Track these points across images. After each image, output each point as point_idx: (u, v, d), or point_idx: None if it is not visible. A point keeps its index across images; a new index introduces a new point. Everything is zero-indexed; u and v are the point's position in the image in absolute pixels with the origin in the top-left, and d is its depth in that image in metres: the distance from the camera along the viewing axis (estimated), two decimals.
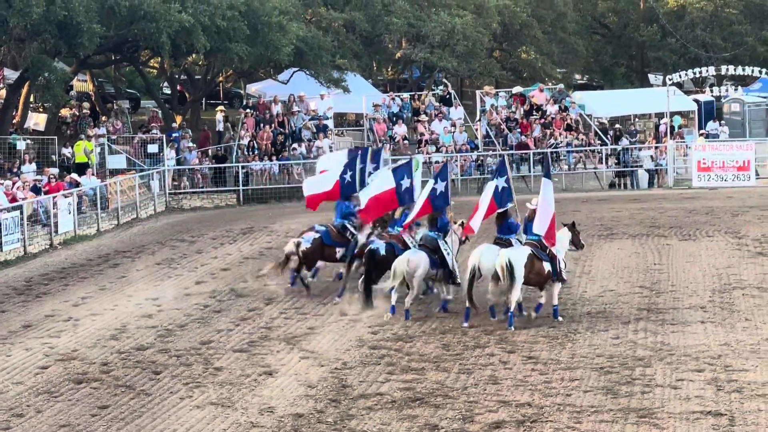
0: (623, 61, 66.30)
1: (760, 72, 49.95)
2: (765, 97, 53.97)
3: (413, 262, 22.64)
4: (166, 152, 41.95)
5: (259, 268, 28.15)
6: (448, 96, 48.28)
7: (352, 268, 24.53)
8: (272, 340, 21.13)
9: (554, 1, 58.72)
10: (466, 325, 21.81)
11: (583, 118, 47.47)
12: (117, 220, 37.57)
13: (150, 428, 16.32)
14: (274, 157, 43.52)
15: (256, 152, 43.50)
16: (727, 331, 21.09)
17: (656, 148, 45.84)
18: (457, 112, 47.10)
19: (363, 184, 25.74)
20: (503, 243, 22.64)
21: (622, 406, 16.70)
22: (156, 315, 23.46)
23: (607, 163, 45.66)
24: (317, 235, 25.20)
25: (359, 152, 26.96)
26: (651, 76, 65.57)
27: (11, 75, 43.90)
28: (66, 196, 34.58)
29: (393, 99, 47.48)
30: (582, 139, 45.79)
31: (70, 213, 34.43)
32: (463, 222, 23.21)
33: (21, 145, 39.64)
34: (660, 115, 48.49)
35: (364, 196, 24.46)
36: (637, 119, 50.40)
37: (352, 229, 25.31)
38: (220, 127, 45.86)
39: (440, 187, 22.99)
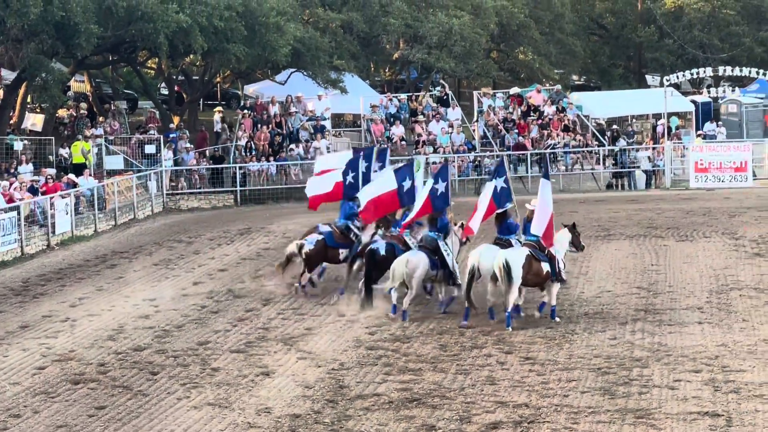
0: (621, 61, 66.33)
1: (758, 73, 49.93)
2: (762, 98, 54.03)
3: (412, 262, 22.65)
4: (163, 153, 41.95)
5: (257, 269, 28.20)
6: (445, 97, 48.30)
7: (353, 267, 24.53)
8: (269, 341, 21.13)
9: (552, 2, 58.76)
10: (465, 323, 21.82)
11: (581, 118, 47.48)
12: (114, 221, 37.56)
13: (147, 429, 16.32)
14: (271, 158, 43.52)
15: (253, 153, 43.49)
16: (724, 332, 21.10)
17: (653, 149, 45.85)
18: (455, 113, 47.11)
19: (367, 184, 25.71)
20: (503, 243, 22.66)
21: (620, 407, 16.71)
22: (153, 316, 23.46)
23: (604, 163, 45.68)
24: (320, 237, 25.19)
25: (361, 153, 26.93)
26: (648, 77, 65.65)
27: (8, 75, 43.90)
28: (63, 197, 34.56)
29: (390, 100, 47.47)
30: (579, 140, 45.79)
31: (67, 213, 34.41)
32: (462, 223, 23.22)
33: (18, 145, 39.61)
34: (657, 116, 48.50)
35: (363, 197, 24.46)
36: (634, 120, 50.42)
37: (355, 230, 25.31)
38: (218, 127, 45.88)
39: (441, 187, 23.00)
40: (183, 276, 27.97)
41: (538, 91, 48.73)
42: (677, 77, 49.44)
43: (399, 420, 16.37)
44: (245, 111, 45.50)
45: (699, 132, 48.17)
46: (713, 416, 16.17)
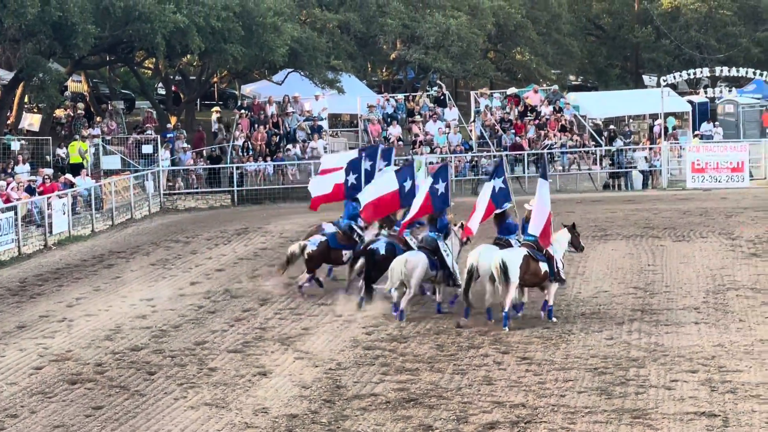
0: (618, 62, 66.36)
1: (754, 73, 49.96)
2: (759, 99, 54.05)
3: (411, 262, 22.66)
4: (160, 153, 41.93)
5: (254, 269, 28.20)
6: (442, 97, 48.32)
7: (355, 266, 24.53)
8: (267, 341, 21.13)
9: (549, 3, 58.77)
10: (467, 319, 21.84)
11: (578, 119, 47.50)
12: (111, 221, 37.56)
13: (144, 429, 16.32)
14: (268, 158, 43.52)
15: (250, 153, 43.50)
16: (720, 332, 21.12)
17: (650, 149, 45.87)
18: (452, 113, 47.12)
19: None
20: (503, 244, 22.68)
21: (616, 407, 16.72)
22: (150, 316, 23.46)
23: (601, 164, 45.69)
24: (323, 239, 25.19)
25: (363, 154, 26.91)
26: (645, 78, 65.66)
27: (6, 75, 43.87)
28: (60, 197, 34.55)
29: (387, 100, 47.48)
30: (576, 140, 45.81)
31: (64, 213, 34.41)
32: (462, 223, 23.23)
33: (15, 145, 39.59)
34: (654, 117, 48.53)
35: (364, 198, 24.45)
36: (631, 120, 50.44)
37: (359, 231, 25.30)
38: (215, 127, 45.87)
39: (441, 187, 23.00)
40: (180, 276, 27.97)
41: (535, 92, 48.74)
42: (674, 77, 49.45)
43: (396, 420, 16.38)
44: (242, 111, 45.51)
45: (696, 132, 48.20)
46: (710, 416, 16.18)
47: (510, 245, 22.53)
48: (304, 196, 39.05)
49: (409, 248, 23.41)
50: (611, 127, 47.98)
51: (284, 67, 46.64)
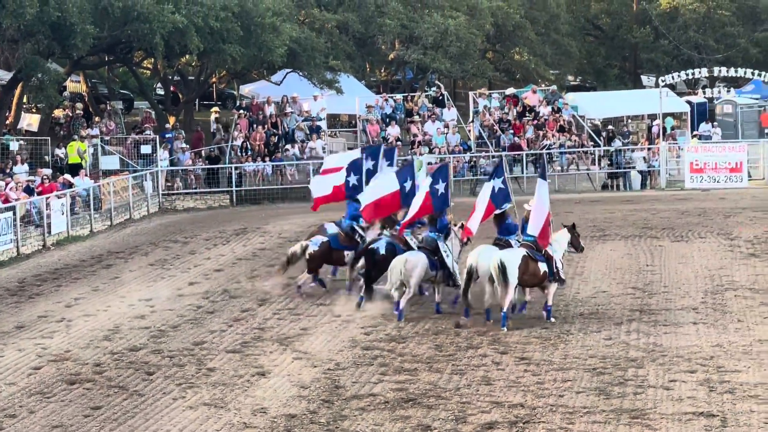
0: (616, 62, 66.40)
1: (753, 74, 50.03)
2: (757, 99, 54.10)
3: (411, 262, 22.67)
4: (159, 153, 41.93)
5: (253, 269, 28.20)
6: (441, 97, 48.32)
7: (355, 266, 24.53)
8: (265, 341, 21.13)
9: (547, 3, 58.81)
10: (467, 319, 21.85)
11: (576, 119, 47.51)
12: (110, 221, 37.55)
13: (143, 429, 16.32)
14: (267, 158, 43.53)
15: (249, 153, 43.50)
16: (719, 332, 21.13)
17: (649, 149, 45.89)
18: (450, 114, 47.12)
19: None
20: (502, 244, 22.69)
21: (615, 407, 16.73)
22: (149, 316, 23.46)
23: (599, 164, 45.70)
24: (325, 239, 25.18)
25: (364, 154, 26.90)
26: (644, 78, 65.71)
27: (4, 76, 43.87)
28: (59, 197, 34.55)
29: (386, 100, 47.49)
30: (575, 141, 45.82)
31: (63, 214, 34.40)
32: (462, 224, 23.24)
33: (14, 145, 39.60)
34: (653, 117, 48.55)
35: (364, 199, 24.44)
36: (629, 120, 50.47)
37: (360, 231, 25.30)
38: (214, 128, 45.87)
39: (441, 187, 23.01)
40: (179, 276, 27.98)
41: (534, 92, 48.76)
42: (672, 78, 49.51)
43: (394, 420, 16.39)
44: (241, 111, 45.50)
45: (694, 132, 48.23)
46: (708, 416, 16.19)
47: (510, 246, 22.53)
48: (303, 196, 39.25)
49: (410, 248, 23.42)
50: (610, 127, 47.99)
51: (283, 68, 46.66)
